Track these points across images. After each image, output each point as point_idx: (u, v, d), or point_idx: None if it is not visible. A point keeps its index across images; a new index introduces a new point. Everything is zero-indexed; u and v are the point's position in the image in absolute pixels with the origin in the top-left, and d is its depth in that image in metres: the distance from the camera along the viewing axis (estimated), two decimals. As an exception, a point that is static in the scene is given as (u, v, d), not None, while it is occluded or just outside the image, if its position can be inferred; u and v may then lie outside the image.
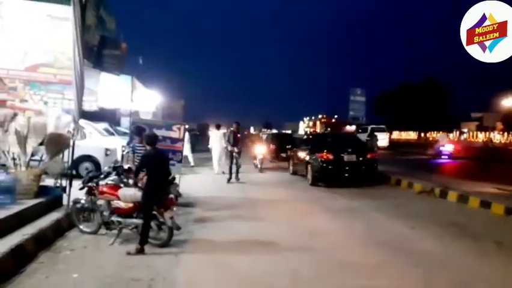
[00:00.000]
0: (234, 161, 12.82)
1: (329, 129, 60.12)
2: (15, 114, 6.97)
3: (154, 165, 5.72)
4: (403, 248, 5.97)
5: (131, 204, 5.81)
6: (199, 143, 29.85)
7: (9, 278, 4.42)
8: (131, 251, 5.37)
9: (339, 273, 4.96)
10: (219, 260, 5.34)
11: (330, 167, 11.90)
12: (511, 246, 6.11)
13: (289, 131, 46.62)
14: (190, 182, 11.76)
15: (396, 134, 61.95)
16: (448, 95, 70.33)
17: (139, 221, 5.69)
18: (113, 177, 6.57)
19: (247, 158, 17.15)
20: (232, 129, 13.73)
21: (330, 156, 11.95)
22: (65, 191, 7.08)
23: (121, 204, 5.87)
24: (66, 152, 7.35)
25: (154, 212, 5.63)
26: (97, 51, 8.99)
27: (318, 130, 74.24)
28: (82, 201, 6.28)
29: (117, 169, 6.77)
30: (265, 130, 48.15)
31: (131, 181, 6.35)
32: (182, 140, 9.44)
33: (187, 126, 12.06)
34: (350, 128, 71.72)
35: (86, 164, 10.78)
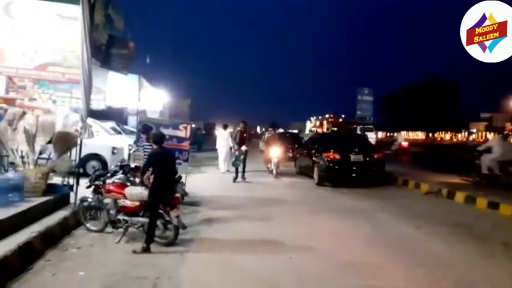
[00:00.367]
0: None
1: (334, 128, 59.91)
2: (24, 113, 7.02)
3: (161, 164, 5.74)
4: (408, 249, 5.95)
5: (137, 203, 5.84)
6: (206, 142, 29.94)
7: (16, 275, 4.46)
8: (137, 249, 5.40)
9: (344, 273, 4.95)
10: (225, 259, 5.36)
11: (336, 167, 11.85)
12: (519, 248, 6.07)
13: (295, 131, 46.51)
14: (196, 181, 11.80)
15: (404, 134, 61.69)
16: (455, 94, 69.82)
17: (145, 220, 5.72)
18: (119, 175, 6.62)
19: (257, 161, 16.64)
20: (239, 128, 13.74)
21: (337, 156, 11.90)
22: (72, 189, 7.13)
23: (128, 202, 5.90)
24: (73, 151, 7.40)
25: (160, 211, 5.65)
26: (105, 51, 9.07)
27: (325, 130, 74.01)
28: (89, 200, 6.32)
29: (124, 168, 6.82)
30: (271, 130, 48.07)
31: (137, 180, 6.38)
32: (189, 139, 9.47)
33: (193, 126, 12.11)
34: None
35: (93, 163, 10.84)
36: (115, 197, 6.02)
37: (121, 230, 5.98)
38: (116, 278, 4.54)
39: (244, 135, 13.24)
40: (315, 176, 12.45)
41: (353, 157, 11.96)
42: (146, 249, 5.39)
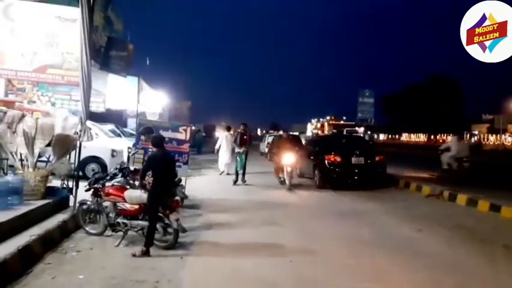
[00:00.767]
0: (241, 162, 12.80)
1: (334, 130, 60.02)
2: (23, 116, 7.01)
3: (161, 167, 5.71)
4: (410, 251, 5.92)
5: (137, 206, 5.81)
6: (206, 144, 29.92)
7: (16, 278, 4.43)
8: (136, 252, 5.36)
9: (345, 276, 4.92)
10: (225, 262, 5.32)
11: (337, 169, 11.83)
12: (521, 251, 6.04)
13: (296, 133, 46.50)
14: (196, 184, 11.77)
15: (405, 137, 61.72)
16: (457, 95, 69.68)
17: (144, 223, 5.68)
18: (119, 178, 6.58)
19: (257, 163, 16.53)
20: (239, 130, 13.73)
21: (338, 159, 11.87)
22: (71, 192, 7.10)
23: (127, 205, 5.87)
24: (73, 153, 7.38)
25: (160, 214, 5.62)
26: (104, 53, 9.05)
27: (326, 132, 74.06)
28: (88, 203, 6.29)
29: (123, 170, 6.79)
30: (272, 131, 48.01)
31: (137, 183, 6.34)
32: (189, 141, 9.45)
33: (193, 128, 12.09)
34: (359, 130, 71.48)
35: (93, 166, 10.81)
36: (115, 200, 5.99)
37: (121, 233, 5.95)
38: (116, 282, 4.51)
39: (245, 137, 13.22)
40: (316, 178, 12.42)
41: (354, 159, 11.92)
42: (146, 253, 5.36)
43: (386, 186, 12.16)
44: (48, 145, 6.97)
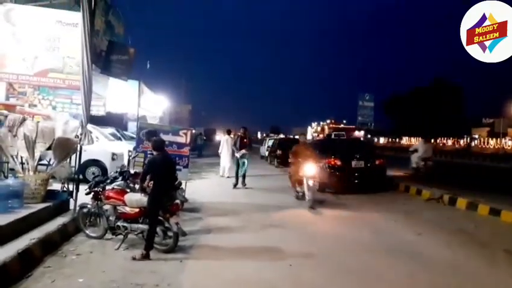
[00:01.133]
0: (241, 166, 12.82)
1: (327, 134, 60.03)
2: (24, 119, 7.02)
3: (161, 170, 5.72)
4: (409, 255, 5.92)
5: (137, 210, 5.82)
6: (206, 147, 29.93)
7: (16, 282, 4.44)
8: (136, 256, 5.37)
9: (344, 280, 4.93)
10: (224, 266, 5.33)
11: (337, 173, 11.83)
12: (521, 255, 6.04)
13: (297, 136, 46.55)
14: (196, 187, 11.78)
15: (405, 140, 61.77)
16: (458, 99, 69.60)
17: (144, 226, 5.69)
18: (119, 182, 6.61)
19: (257, 166, 16.46)
20: (239, 134, 13.76)
21: (338, 162, 11.88)
22: (71, 196, 7.11)
23: (127, 209, 5.88)
24: (73, 157, 7.39)
25: (160, 218, 5.63)
26: (105, 57, 9.09)
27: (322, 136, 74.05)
28: (89, 206, 6.31)
29: (123, 174, 6.81)
30: (272, 135, 48.02)
31: (137, 186, 6.36)
32: (189, 145, 9.47)
33: (193, 131, 12.11)
34: (359, 134, 71.57)
35: (93, 169, 10.82)
36: (115, 203, 6.00)
37: (121, 236, 5.96)
38: (116, 285, 4.51)
39: (245, 140, 13.25)
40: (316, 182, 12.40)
41: (354, 163, 11.92)
42: (146, 256, 5.37)
43: (386, 190, 12.16)
44: (48, 148, 6.99)
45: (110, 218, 6.04)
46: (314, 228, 7.64)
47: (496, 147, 43.99)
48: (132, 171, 7.43)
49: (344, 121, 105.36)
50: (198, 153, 26.33)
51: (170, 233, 5.66)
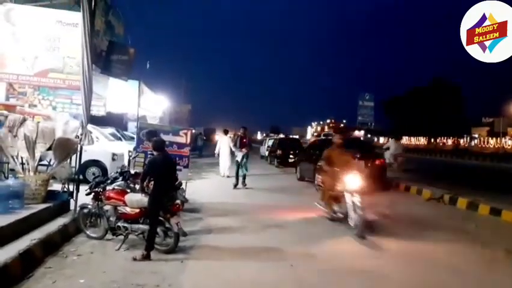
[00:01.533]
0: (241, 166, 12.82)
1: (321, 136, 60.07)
2: (24, 120, 7.01)
3: (162, 170, 5.72)
4: (411, 255, 5.92)
5: (137, 210, 5.81)
6: (206, 148, 29.94)
7: (17, 282, 4.43)
8: (137, 256, 5.36)
9: (346, 281, 4.92)
10: (225, 266, 5.32)
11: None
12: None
13: (296, 136, 46.55)
14: (196, 187, 11.77)
15: (405, 140, 61.79)
16: (458, 98, 69.64)
17: (145, 227, 5.69)
18: (119, 182, 6.60)
19: (256, 166, 16.51)
20: (239, 134, 13.77)
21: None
22: (72, 196, 7.11)
23: (128, 209, 5.87)
24: (73, 157, 7.38)
25: (161, 218, 5.62)
26: (105, 57, 9.07)
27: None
28: (89, 207, 6.29)
29: (124, 174, 6.80)
30: (272, 135, 48.05)
31: (137, 186, 6.35)
32: (189, 145, 9.46)
33: (194, 131, 12.09)
34: (359, 133, 71.56)
35: (93, 169, 10.81)
36: (115, 203, 5.99)
37: (121, 237, 5.95)
38: (117, 286, 4.51)
39: (244, 140, 13.26)
40: (317, 182, 12.38)
41: (354, 163, 11.88)
42: (147, 257, 5.36)
43: (386, 190, 12.15)
44: (49, 149, 6.98)
45: (111, 218, 6.03)
46: (315, 229, 7.53)
47: (496, 146, 44.12)
48: (132, 172, 7.42)
49: (344, 121, 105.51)
50: (198, 153, 26.35)
51: (171, 234, 5.65)
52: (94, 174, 10.44)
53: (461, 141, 54.37)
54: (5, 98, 8.75)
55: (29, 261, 4.89)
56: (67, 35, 7.92)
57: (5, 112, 7.37)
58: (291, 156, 20.38)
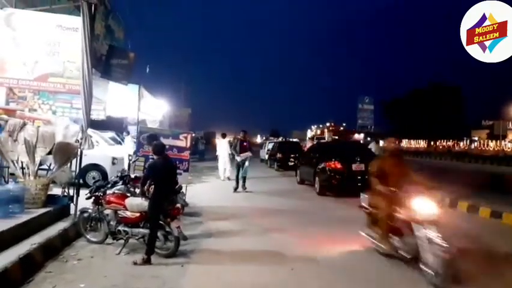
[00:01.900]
0: (241, 169, 12.81)
1: (335, 137, 60.10)
2: (24, 124, 7.02)
3: (162, 174, 5.71)
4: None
5: (138, 214, 5.81)
6: (206, 151, 29.94)
7: (17, 287, 4.42)
8: (137, 260, 5.35)
9: (346, 285, 4.91)
10: (225, 270, 5.31)
11: (338, 176, 11.82)
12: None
13: (296, 139, 46.51)
14: (196, 191, 11.77)
15: (405, 143, 61.81)
16: (458, 101, 69.74)
17: (145, 231, 5.68)
18: (120, 186, 6.60)
19: (257, 170, 16.66)
20: (239, 137, 13.75)
21: (338, 165, 11.87)
22: (72, 200, 7.10)
23: (128, 213, 5.86)
24: (73, 161, 7.38)
25: (161, 222, 5.62)
26: (105, 61, 9.09)
27: (326, 138, 74.13)
28: (89, 211, 6.29)
29: (124, 178, 6.80)
30: (272, 138, 48.03)
31: (138, 190, 6.34)
32: (189, 148, 9.46)
33: (193, 135, 12.10)
34: (359, 137, 71.56)
35: (93, 173, 10.82)
36: (115, 208, 5.99)
37: (122, 241, 5.94)
38: (117, 290, 4.50)
39: (244, 144, 13.25)
40: (317, 185, 12.41)
41: (354, 166, 11.89)
42: (147, 261, 5.35)
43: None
44: (49, 153, 6.98)
45: (111, 222, 6.02)
46: (316, 233, 7.50)
47: (496, 149, 44.14)
48: (132, 176, 7.42)
49: (344, 124, 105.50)
50: (199, 157, 26.37)
51: (171, 238, 5.64)
52: (94, 178, 10.44)
53: (461, 143, 54.37)
54: (5, 103, 8.74)
55: (29, 265, 4.88)
56: (67, 39, 7.92)
57: (5, 117, 7.37)
58: (291, 159, 20.42)
